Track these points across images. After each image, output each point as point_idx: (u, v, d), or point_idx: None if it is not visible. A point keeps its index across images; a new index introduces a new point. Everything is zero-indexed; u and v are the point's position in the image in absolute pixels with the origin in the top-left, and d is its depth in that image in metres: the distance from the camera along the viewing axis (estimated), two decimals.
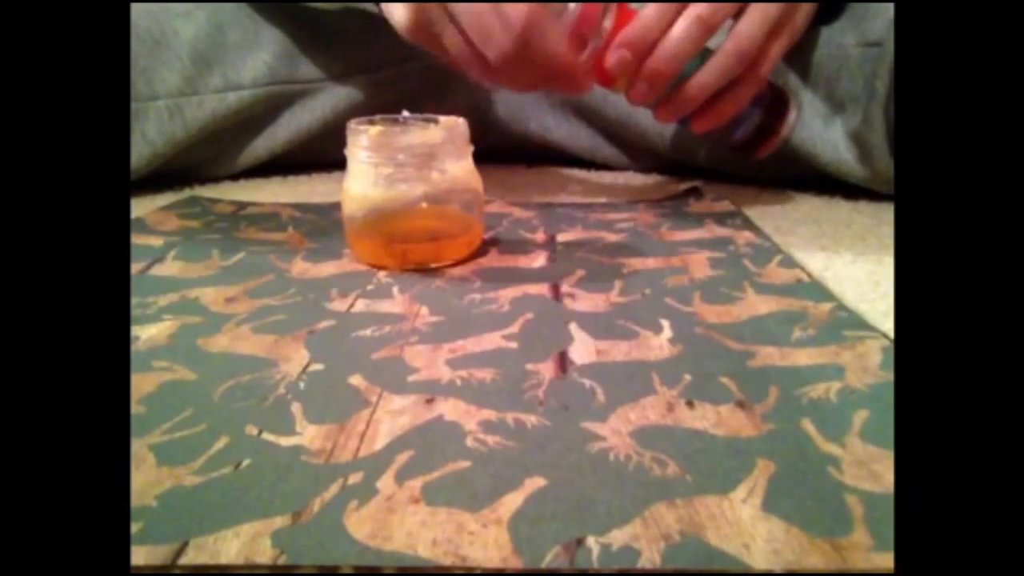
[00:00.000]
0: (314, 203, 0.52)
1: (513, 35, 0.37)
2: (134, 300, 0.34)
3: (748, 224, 0.46)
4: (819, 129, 0.50)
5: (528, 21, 0.36)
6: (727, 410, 0.24)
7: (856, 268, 0.38)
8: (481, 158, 0.39)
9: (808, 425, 0.23)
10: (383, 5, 0.44)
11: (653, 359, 0.28)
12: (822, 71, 0.50)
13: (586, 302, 0.34)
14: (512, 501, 0.19)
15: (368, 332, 0.30)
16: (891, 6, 0.47)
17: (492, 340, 0.30)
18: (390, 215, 0.38)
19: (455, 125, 0.38)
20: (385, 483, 0.20)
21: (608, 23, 0.42)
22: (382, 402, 0.25)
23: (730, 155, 0.52)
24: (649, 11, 0.41)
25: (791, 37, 0.45)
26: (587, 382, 0.26)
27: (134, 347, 0.29)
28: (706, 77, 0.43)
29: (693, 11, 0.41)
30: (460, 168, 0.38)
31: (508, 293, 0.35)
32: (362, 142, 0.37)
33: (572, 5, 0.40)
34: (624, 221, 0.47)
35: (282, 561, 0.17)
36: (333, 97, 0.61)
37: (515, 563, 0.17)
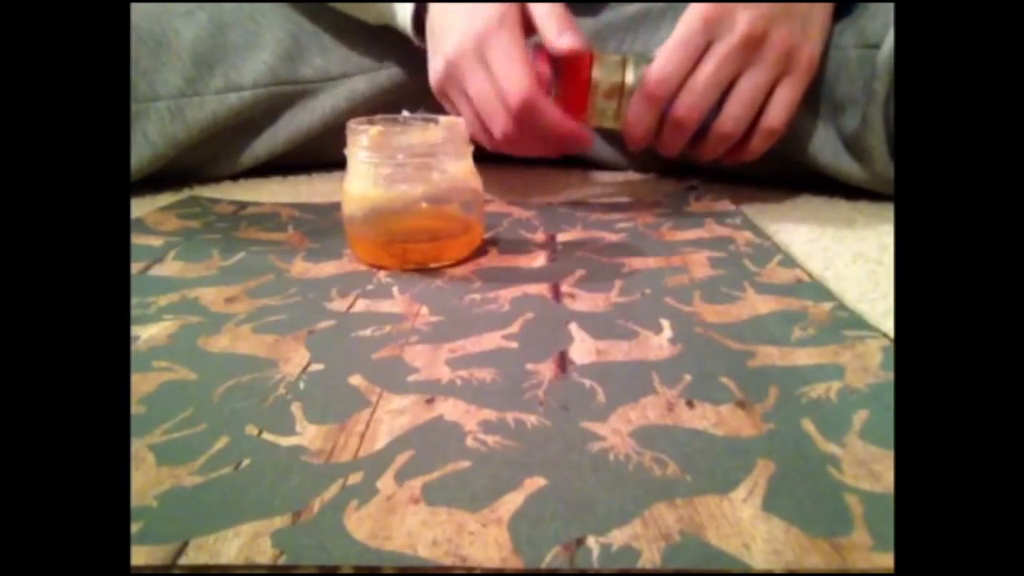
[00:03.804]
0: (314, 203, 0.52)
1: (513, 115, 0.43)
2: (134, 300, 0.34)
3: (748, 224, 0.46)
4: (818, 130, 0.50)
5: (524, 103, 0.42)
6: (727, 410, 0.24)
7: (856, 268, 0.38)
8: (481, 158, 0.39)
9: (808, 425, 0.23)
10: (428, 51, 0.49)
11: (653, 359, 0.28)
12: (821, 73, 0.50)
13: (586, 302, 0.34)
14: (512, 501, 0.19)
15: (368, 332, 0.31)
16: (890, 7, 0.47)
17: (492, 340, 0.30)
18: (390, 215, 0.38)
19: (455, 125, 0.38)
20: (385, 483, 0.20)
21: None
22: (382, 402, 0.25)
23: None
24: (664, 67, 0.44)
25: (804, 73, 0.47)
26: (587, 382, 0.26)
27: (134, 347, 0.29)
28: (724, 126, 0.46)
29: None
30: (460, 168, 0.38)
31: (508, 293, 0.35)
32: (362, 142, 0.37)
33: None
34: (624, 221, 0.47)
35: (282, 561, 0.17)
36: (333, 97, 0.61)
37: (515, 563, 0.17)
